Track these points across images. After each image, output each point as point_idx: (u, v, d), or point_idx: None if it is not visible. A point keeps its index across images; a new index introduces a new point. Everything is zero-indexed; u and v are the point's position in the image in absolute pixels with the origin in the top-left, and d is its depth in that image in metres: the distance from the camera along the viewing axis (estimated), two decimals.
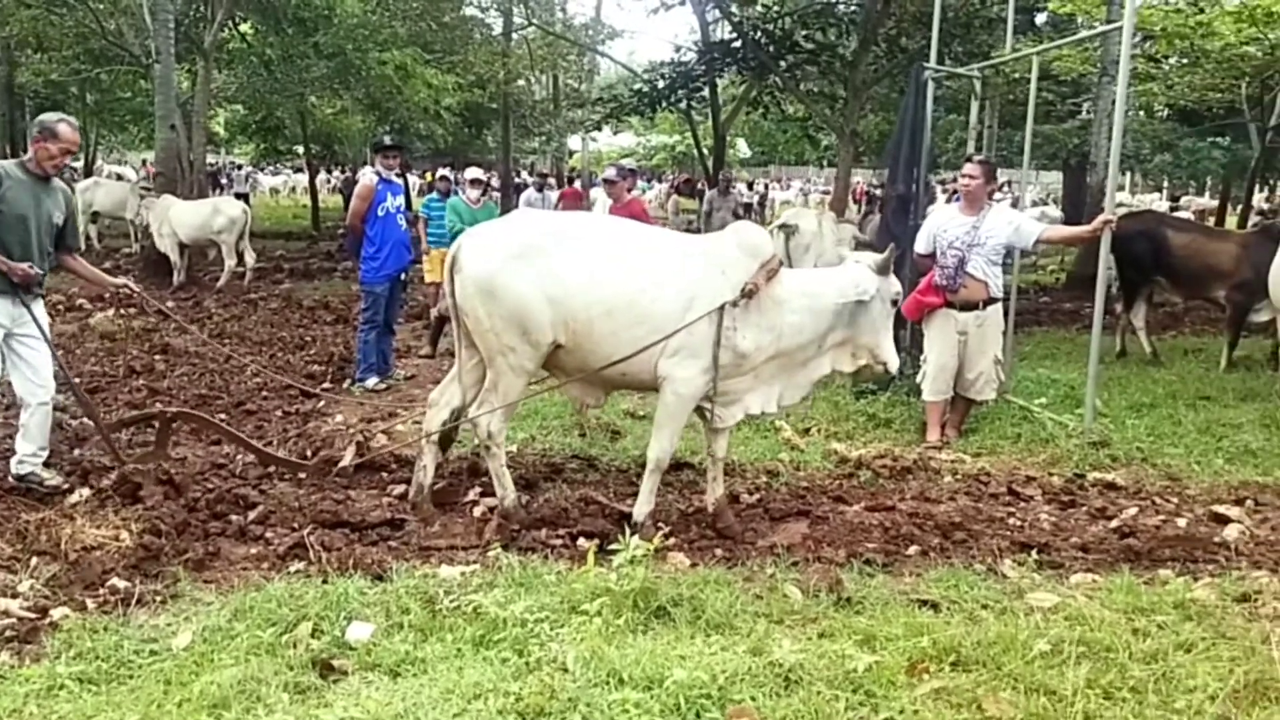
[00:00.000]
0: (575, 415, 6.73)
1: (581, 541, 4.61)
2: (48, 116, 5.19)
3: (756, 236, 4.88)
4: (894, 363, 5.02)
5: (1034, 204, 29.13)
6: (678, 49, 19.14)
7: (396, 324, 8.80)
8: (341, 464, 5.58)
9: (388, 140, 8.40)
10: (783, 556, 4.42)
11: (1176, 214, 19.84)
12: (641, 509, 4.85)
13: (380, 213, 7.90)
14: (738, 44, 15.97)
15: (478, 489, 5.42)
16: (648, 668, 3.16)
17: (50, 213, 5.20)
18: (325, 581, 3.96)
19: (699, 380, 4.68)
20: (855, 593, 3.97)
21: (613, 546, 3.88)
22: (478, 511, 5.14)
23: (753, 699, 3.09)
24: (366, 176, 8.32)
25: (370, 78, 18.23)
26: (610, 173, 9.23)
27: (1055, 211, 22.27)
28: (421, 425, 5.40)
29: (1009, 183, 24.39)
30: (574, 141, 32.65)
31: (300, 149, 25.57)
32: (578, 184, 23.47)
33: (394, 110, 20.41)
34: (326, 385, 8.05)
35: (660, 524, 4.83)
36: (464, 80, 22.13)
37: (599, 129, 22.60)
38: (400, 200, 8.19)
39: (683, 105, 18.81)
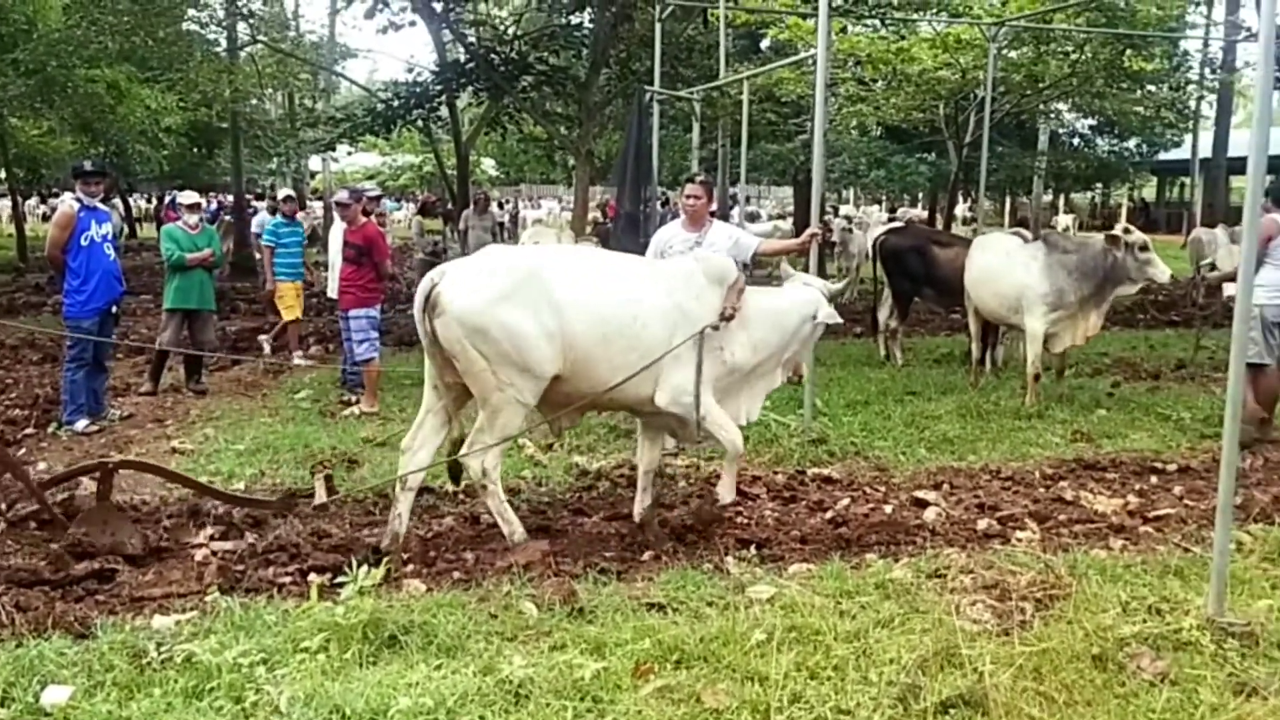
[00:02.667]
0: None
1: (312, 576, 4.46)
2: None
3: (721, 264, 5.09)
4: (806, 372, 5.71)
5: (769, 218, 30.83)
6: (410, 69, 18.86)
7: (113, 360, 8.18)
8: (315, 502, 5.30)
9: (88, 165, 7.79)
10: (520, 574, 4.44)
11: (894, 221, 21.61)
12: (726, 497, 5.17)
13: (84, 242, 7.33)
14: (472, 65, 15.98)
15: (208, 532, 5.14)
16: (372, 700, 3.11)
17: None
18: (18, 645, 3.63)
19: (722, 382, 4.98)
20: (588, 602, 4.04)
21: (341, 580, 3.78)
22: (199, 556, 4.86)
23: (481, 718, 3.10)
24: (65, 204, 7.68)
25: (77, 96, 16.83)
26: (342, 195, 9.04)
27: (788, 225, 23.61)
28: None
29: (745, 198, 25.61)
30: (315, 162, 31.51)
31: (1, 173, 23.30)
32: (318, 205, 22.57)
33: (106, 131, 18.96)
34: (29, 430, 7.39)
35: (401, 552, 4.77)
36: (188, 99, 20.87)
37: (333, 149, 21.90)
38: (108, 228, 7.62)
39: (420, 125, 18.58)
